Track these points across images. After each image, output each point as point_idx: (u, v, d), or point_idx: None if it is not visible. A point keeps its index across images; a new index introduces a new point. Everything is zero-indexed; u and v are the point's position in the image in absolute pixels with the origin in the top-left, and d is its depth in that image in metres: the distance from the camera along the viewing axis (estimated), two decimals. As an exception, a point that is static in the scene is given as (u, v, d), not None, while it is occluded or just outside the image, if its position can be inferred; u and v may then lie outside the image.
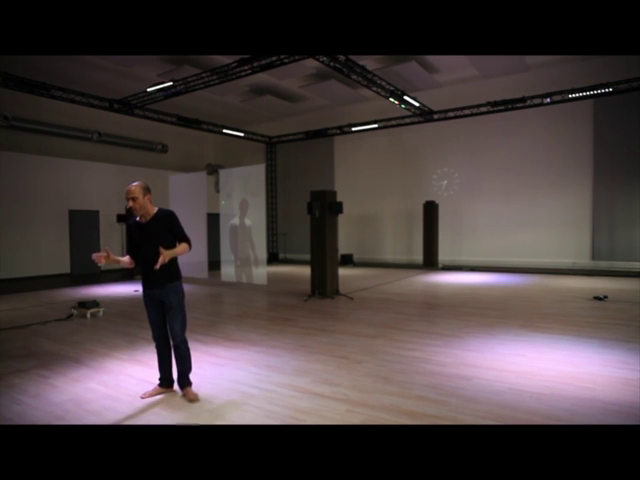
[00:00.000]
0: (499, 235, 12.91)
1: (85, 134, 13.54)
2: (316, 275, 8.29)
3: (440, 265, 13.17)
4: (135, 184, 3.33)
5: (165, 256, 3.24)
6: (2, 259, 11.26)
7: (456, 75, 12.41)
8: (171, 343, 3.54)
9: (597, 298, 7.44)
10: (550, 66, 11.64)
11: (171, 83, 10.87)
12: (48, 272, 12.31)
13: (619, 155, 11.23)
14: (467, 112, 12.34)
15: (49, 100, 10.95)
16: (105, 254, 3.24)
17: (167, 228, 3.41)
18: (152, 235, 3.35)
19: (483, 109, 12.00)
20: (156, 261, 3.23)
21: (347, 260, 14.29)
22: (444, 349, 4.70)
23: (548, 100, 11.11)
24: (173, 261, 3.42)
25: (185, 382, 3.52)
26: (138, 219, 3.41)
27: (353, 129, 14.37)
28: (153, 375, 4.03)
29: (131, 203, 3.28)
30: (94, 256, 3.22)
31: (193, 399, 3.39)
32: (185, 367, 3.52)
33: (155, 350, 3.61)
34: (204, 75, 10.63)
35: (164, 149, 16.14)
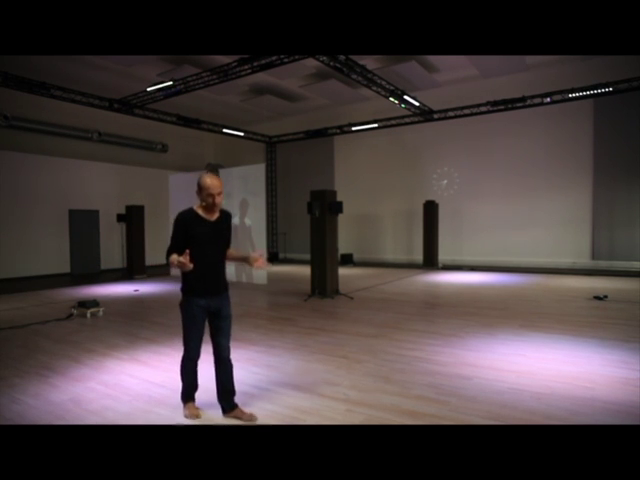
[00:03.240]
0: (499, 235, 12.91)
1: (85, 134, 13.54)
2: (316, 275, 8.29)
3: (440, 265, 13.17)
4: (215, 176, 2.91)
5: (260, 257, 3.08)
6: (2, 259, 11.26)
7: (456, 75, 12.40)
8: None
9: (597, 298, 7.44)
10: (550, 66, 11.64)
11: (171, 83, 10.87)
12: (48, 272, 12.31)
13: (619, 155, 11.23)
14: (467, 112, 12.34)
15: (49, 100, 10.95)
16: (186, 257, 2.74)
17: (227, 230, 3.11)
18: (221, 236, 3.02)
19: (483, 109, 12.00)
20: (221, 265, 3.02)
21: (347, 260, 14.29)
22: (444, 349, 4.70)
23: (548, 100, 11.12)
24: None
25: (234, 401, 3.13)
26: (203, 215, 2.94)
27: (353, 129, 14.37)
28: (153, 375, 4.04)
29: (219, 198, 2.89)
30: (183, 261, 2.69)
31: (252, 419, 3.02)
32: (234, 385, 3.16)
33: (180, 364, 3.14)
34: (204, 75, 10.63)
35: (164, 149, 16.14)
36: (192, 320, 2.97)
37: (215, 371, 3.13)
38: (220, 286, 3.02)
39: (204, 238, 2.90)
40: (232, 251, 3.18)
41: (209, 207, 2.90)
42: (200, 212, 2.93)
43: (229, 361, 3.12)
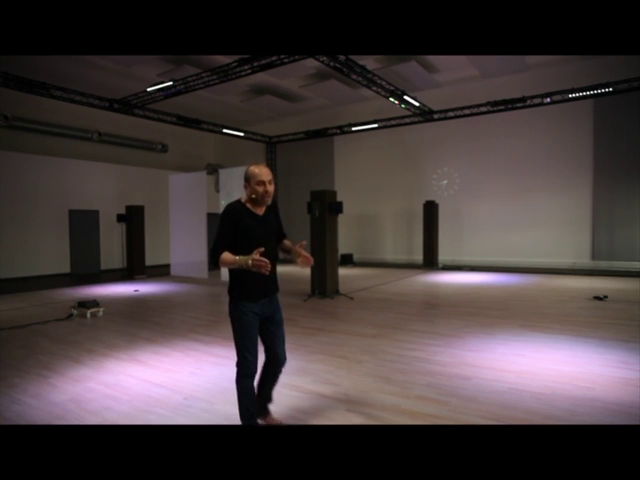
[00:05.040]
0: (499, 235, 12.90)
1: (85, 134, 13.54)
2: (316, 275, 8.29)
3: (440, 265, 13.17)
4: (263, 164, 2.65)
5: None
6: (2, 259, 11.26)
7: (456, 75, 12.40)
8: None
9: (597, 298, 7.43)
10: (550, 66, 11.64)
11: (171, 83, 10.87)
12: (48, 272, 12.31)
13: (619, 155, 11.23)
14: (467, 112, 12.34)
15: (49, 100, 10.95)
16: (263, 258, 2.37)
17: (277, 221, 2.80)
18: (270, 230, 2.71)
19: (483, 109, 12.00)
20: (273, 264, 2.61)
21: (347, 260, 14.29)
22: (444, 349, 4.70)
23: (548, 100, 11.11)
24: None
25: (268, 407, 2.97)
26: (251, 208, 2.63)
27: (353, 129, 14.37)
28: (153, 375, 4.03)
29: (271, 187, 2.58)
30: (262, 260, 2.35)
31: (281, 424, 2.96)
32: (272, 392, 2.98)
33: (246, 381, 2.68)
34: (204, 75, 10.63)
35: (164, 149, 16.14)
36: (247, 330, 2.61)
37: (261, 377, 2.86)
38: (273, 287, 2.75)
39: (255, 233, 2.57)
40: (287, 242, 2.88)
41: (259, 198, 2.58)
42: (248, 206, 2.63)
43: (281, 370, 2.87)
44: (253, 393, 2.73)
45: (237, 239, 2.53)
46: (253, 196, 2.58)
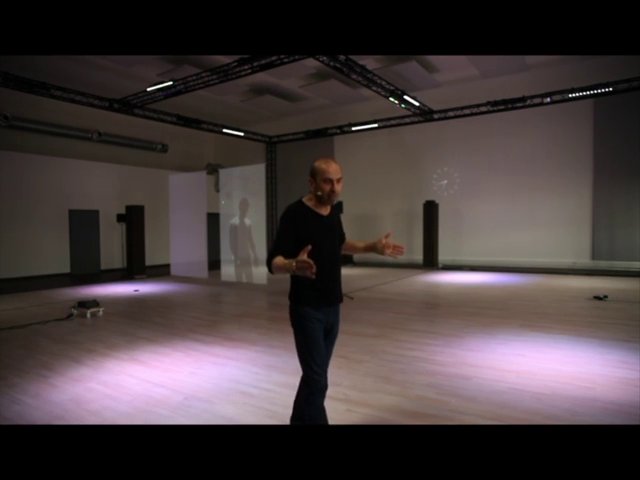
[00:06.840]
0: (499, 235, 12.90)
1: (85, 134, 13.54)
2: (316, 275, 8.27)
3: (440, 265, 13.17)
4: (332, 160, 2.38)
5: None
6: (2, 259, 11.26)
7: (456, 75, 12.40)
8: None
9: (597, 298, 7.43)
10: (550, 66, 11.64)
11: (171, 83, 10.87)
12: (48, 272, 12.31)
13: (619, 155, 11.23)
14: (467, 112, 12.33)
15: (49, 100, 10.95)
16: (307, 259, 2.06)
17: (339, 222, 2.61)
18: (335, 232, 2.50)
19: (483, 109, 11.99)
20: (339, 269, 2.48)
21: (347, 260, 14.29)
22: (444, 349, 4.70)
23: (548, 100, 11.11)
24: None
25: None
26: (315, 209, 2.39)
27: (353, 129, 14.36)
28: (153, 375, 4.03)
29: (339, 186, 2.34)
30: (307, 260, 2.03)
31: None
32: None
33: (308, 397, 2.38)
34: (204, 75, 10.63)
35: (164, 149, 16.14)
36: (313, 337, 2.33)
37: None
38: (338, 295, 2.49)
39: (319, 237, 2.34)
40: (355, 242, 2.74)
41: (325, 197, 2.33)
42: (311, 205, 2.38)
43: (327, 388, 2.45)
44: (320, 414, 2.42)
45: (298, 243, 2.25)
46: (319, 193, 2.34)
